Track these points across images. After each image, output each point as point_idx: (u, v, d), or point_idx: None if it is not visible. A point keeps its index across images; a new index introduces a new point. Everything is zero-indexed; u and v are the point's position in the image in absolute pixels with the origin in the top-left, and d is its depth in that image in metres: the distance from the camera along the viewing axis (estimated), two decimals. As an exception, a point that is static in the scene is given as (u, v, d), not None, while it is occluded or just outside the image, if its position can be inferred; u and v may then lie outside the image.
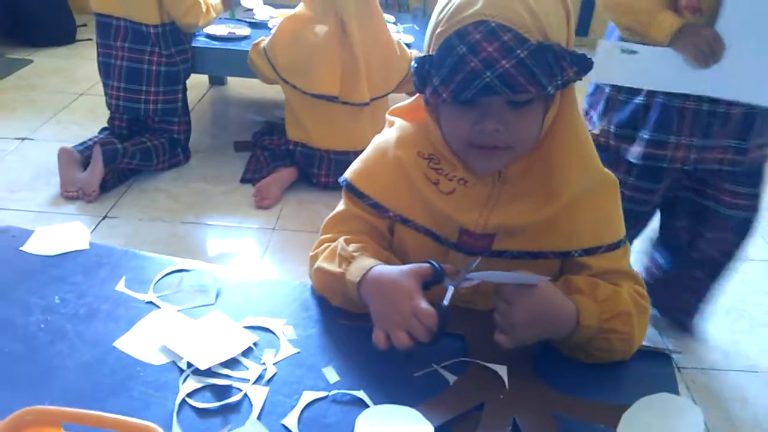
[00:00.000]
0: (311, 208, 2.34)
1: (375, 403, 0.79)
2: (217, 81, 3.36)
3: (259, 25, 2.79)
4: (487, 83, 0.79)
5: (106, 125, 2.52)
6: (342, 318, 0.95)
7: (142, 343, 0.88)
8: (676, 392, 0.85)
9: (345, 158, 2.36)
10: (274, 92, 3.18)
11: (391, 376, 0.85)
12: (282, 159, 2.47)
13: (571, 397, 0.82)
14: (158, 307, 0.96)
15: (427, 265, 0.87)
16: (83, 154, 2.33)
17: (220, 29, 2.62)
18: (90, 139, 2.43)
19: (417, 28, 2.78)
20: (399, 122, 1.01)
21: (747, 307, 2.02)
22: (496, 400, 0.80)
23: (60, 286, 0.97)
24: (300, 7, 2.34)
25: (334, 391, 0.82)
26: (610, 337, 0.87)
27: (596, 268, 0.93)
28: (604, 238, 0.94)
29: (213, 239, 2.18)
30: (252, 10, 2.90)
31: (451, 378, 0.85)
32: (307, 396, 0.81)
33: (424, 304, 0.81)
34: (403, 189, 0.96)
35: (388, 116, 1.06)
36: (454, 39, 0.82)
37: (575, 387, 0.85)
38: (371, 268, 0.88)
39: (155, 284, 1.00)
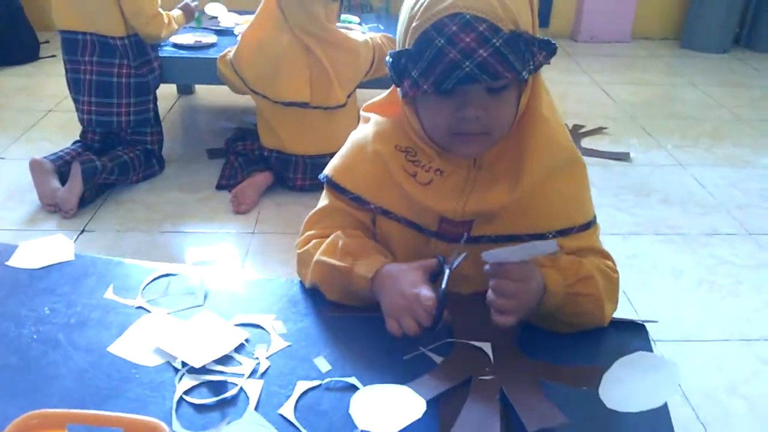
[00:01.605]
0: (289, 210, 2.36)
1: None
2: (185, 90, 3.36)
3: (225, 32, 2.80)
4: (467, 72, 0.83)
5: (78, 139, 2.52)
6: (330, 310, 0.98)
7: (135, 346, 0.90)
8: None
9: (320, 161, 2.35)
10: (244, 99, 3.18)
11: (381, 361, 0.88)
12: (256, 164, 2.49)
13: (553, 365, 0.86)
14: (148, 311, 0.97)
15: (434, 259, 0.91)
16: (55, 164, 2.32)
17: (187, 38, 2.63)
18: (62, 150, 2.42)
19: (382, 27, 2.82)
20: (374, 117, 1.04)
21: (717, 279, 2.09)
22: (482, 374, 0.83)
23: (48, 298, 0.99)
24: (257, 19, 2.36)
25: (327, 380, 0.85)
26: (576, 300, 0.91)
27: (568, 247, 0.96)
28: (576, 219, 0.98)
29: (193, 246, 2.19)
30: (217, 17, 2.91)
31: (438, 359, 0.88)
32: (301, 386, 0.84)
33: (424, 291, 0.86)
34: (383, 182, 0.99)
35: (362, 112, 1.09)
36: (431, 32, 0.85)
37: (556, 359, 0.88)
38: (383, 264, 0.93)
39: (143, 290, 1.02)
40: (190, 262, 2.11)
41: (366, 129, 1.04)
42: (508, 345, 0.89)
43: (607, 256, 1.01)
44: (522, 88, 0.91)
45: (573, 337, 0.94)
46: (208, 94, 3.39)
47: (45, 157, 2.34)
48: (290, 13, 2.29)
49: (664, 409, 0.80)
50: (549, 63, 0.90)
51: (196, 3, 2.67)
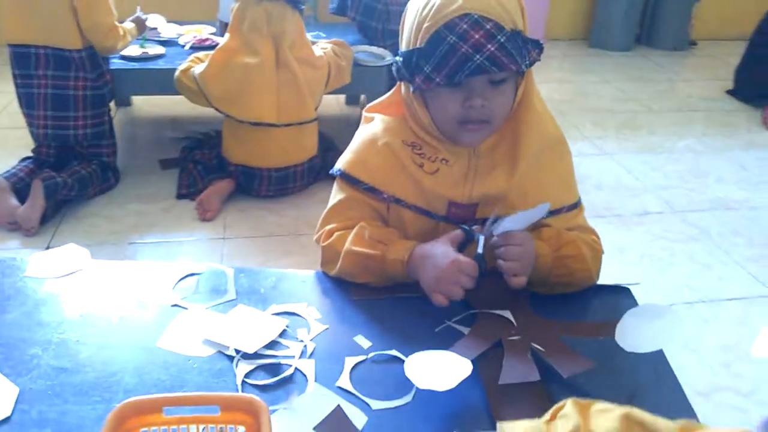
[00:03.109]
0: (255, 214, 2.40)
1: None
2: (123, 102, 3.32)
3: (171, 43, 2.81)
4: (478, 65, 0.94)
5: (29, 155, 2.47)
6: (355, 295, 1.06)
7: (183, 340, 0.95)
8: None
9: (285, 172, 2.43)
10: (186, 108, 3.18)
11: (414, 335, 0.97)
12: (216, 171, 2.51)
13: (570, 322, 0.99)
14: (184, 308, 1.02)
15: (459, 230, 1.01)
16: (10, 181, 2.28)
17: (134, 50, 2.61)
18: (14, 168, 2.37)
19: (323, 35, 2.91)
20: (379, 116, 1.14)
21: (654, 252, 2.32)
22: (510, 335, 0.94)
23: (77, 304, 1.02)
24: (227, 38, 2.37)
25: (371, 354, 0.93)
26: (565, 262, 1.04)
27: (559, 226, 1.09)
28: (566, 200, 1.11)
29: (166, 255, 2.19)
30: (156, 29, 2.91)
31: (465, 330, 0.98)
32: (350, 361, 0.92)
33: (464, 258, 0.96)
34: (394, 173, 1.08)
35: (365, 113, 1.18)
36: (443, 31, 0.96)
37: (563, 318, 1.01)
38: (414, 246, 1.02)
39: (174, 288, 1.07)
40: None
41: (373, 126, 1.13)
42: (524, 311, 1.01)
43: (592, 231, 1.15)
44: (518, 81, 1.04)
45: (571, 300, 1.07)
46: (145, 105, 3.36)
47: (0, 175, 2.28)
48: (273, 32, 2.32)
49: (661, 353, 0.94)
50: (540, 60, 1.03)
51: (146, 17, 2.68)
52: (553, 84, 4.20)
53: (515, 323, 0.97)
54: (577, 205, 1.13)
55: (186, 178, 2.54)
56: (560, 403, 0.71)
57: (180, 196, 2.49)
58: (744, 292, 2.11)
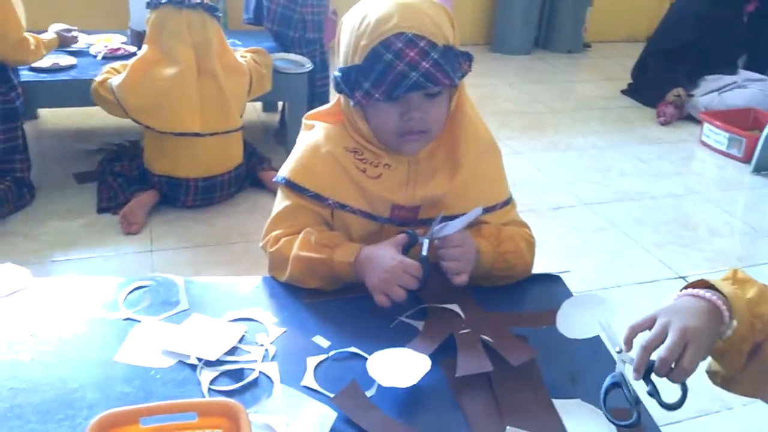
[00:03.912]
0: (181, 225, 2.37)
1: (367, 353, 0.95)
2: (29, 115, 3.16)
3: (82, 54, 2.71)
4: (414, 81, 1.00)
5: None
6: (306, 297, 1.10)
7: (141, 352, 0.95)
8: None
9: (212, 182, 2.40)
10: (96, 120, 3.09)
11: (370, 332, 1.02)
12: (138, 183, 2.45)
13: (514, 313, 1.06)
14: (137, 320, 1.02)
15: (402, 234, 1.06)
16: None
17: (44, 61, 2.51)
18: None
19: (238, 42, 2.89)
20: (320, 124, 1.17)
21: (569, 243, 2.47)
22: (460, 329, 1.01)
23: (26, 323, 1.00)
24: (146, 49, 2.32)
25: (332, 352, 0.97)
26: (506, 257, 1.12)
27: (495, 222, 1.17)
28: (499, 197, 1.19)
29: (93, 271, 2.11)
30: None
31: (417, 323, 1.04)
32: (312, 361, 0.95)
33: (408, 260, 1.01)
34: (338, 179, 1.12)
35: (305, 120, 1.22)
36: (379, 49, 1.01)
37: (506, 309, 1.08)
38: (361, 248, 1.06)
39: (124, 302, 1.06)
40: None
41: (315, 134, 1.16)
42: (470, 304, 1.07)
43: (525, 225, 1.23)
44: (452, 92, 1.10)
45: (512, 291, 1.15)
46: (53, 117, 3.22)
47: None
48: (195, 41, 2.29)
49: (598, 338, 1.03)
50: (471, 70, 1.11)
51: (74, 34, 2.60)
52: (463, 87, 4.35)
53: (464, 317, 1.03)
54: (509, 201, 1.21)
55: (106, 191, 2.47)
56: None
57: (101, 210, 2.41)
58: (652, 275, 2.28)
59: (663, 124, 3.81)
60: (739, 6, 3.87)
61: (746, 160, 3.26)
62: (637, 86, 4.23)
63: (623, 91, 4.34)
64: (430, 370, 0.89)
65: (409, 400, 0.89)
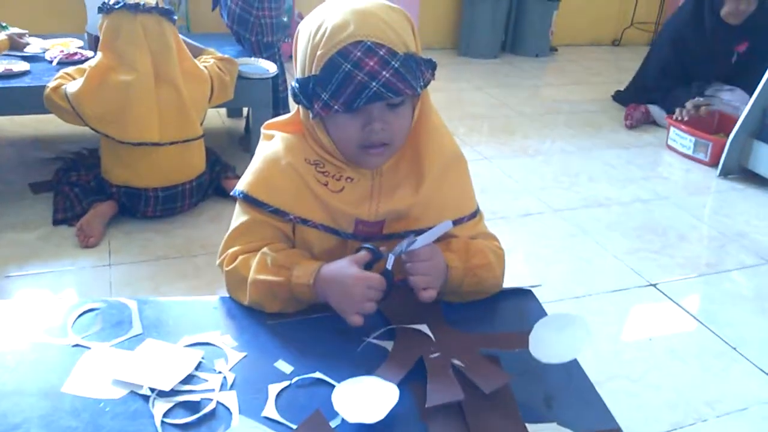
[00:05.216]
0: (141, 237, 2.28)
1: (333, 379, 0.91)
2: (-22, 123, 3.06)
3: (36, 59, 2.61)
4: (375, 92, 0.95)
5: None
6: (269, 319, 1.04)
7: (90, 382, 0.89)
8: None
9: (173, 191, 2.32)
10: (54, 127, 2.99)
11: (336, 354, 0.97)
12: (96, 193, 2.36)
13: (486, 334, 1.02)
14: (87, 347, 0.96)
15: (364, 251, 1.01)
16: None
17: (-5, 68, 2.42)
18: None
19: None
20: (279, 134, 1.12)
21: (539, 251, 2.44)
22: (430, 353, 0.96)
23: (-29, 352, 0.93)
24: (100, 56, 2.23)
25: (295, 378, 0.92)
26: (475, 272, 1.08)
27: (461, 236, 1.13)
28: (465, 210, 1.15)
29: (49, 287, 2.03)
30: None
31: (384, 344, 0.99)
32: (273, 389, 0.90)
33: (369, 274, 0.98)
34: (299, 193, 1.07)
35: (264, 130, 1.16)
36: (336, 58, 0.96)
37: (474, 328, 1.04)
38: (319, 268, 1.01)
39: (72, 327, 1.00)
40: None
41: (275, 145, 1.11)
42: (439, 324, 1.03)
43: (493, 237, 1.20)
44: (414, 101, 1.06)
45: (483, 308, 1.11)
46: (7, 124, 3.11)
47: None
48: (151, 47, 2.21)
49: (574, 360, 0.99)
50: (434, 78, 1.07)
51: (26, 41, 2.51)
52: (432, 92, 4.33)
53: (433, 338, 0.99)
54: (476, 214, 1.17)
55: (62, 202, 2.37)
56: None
57: (57, 222, 2.32)
58: (624, 283, 2.26)
59: (629, 127, 3.83)
60: (730, 43, 3.68)
61: (713, 163, 3.29)
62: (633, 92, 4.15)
63: (614, 97, 4.31)
64: (399, 397, 0.85)
65: (376, 429, 0.84)
